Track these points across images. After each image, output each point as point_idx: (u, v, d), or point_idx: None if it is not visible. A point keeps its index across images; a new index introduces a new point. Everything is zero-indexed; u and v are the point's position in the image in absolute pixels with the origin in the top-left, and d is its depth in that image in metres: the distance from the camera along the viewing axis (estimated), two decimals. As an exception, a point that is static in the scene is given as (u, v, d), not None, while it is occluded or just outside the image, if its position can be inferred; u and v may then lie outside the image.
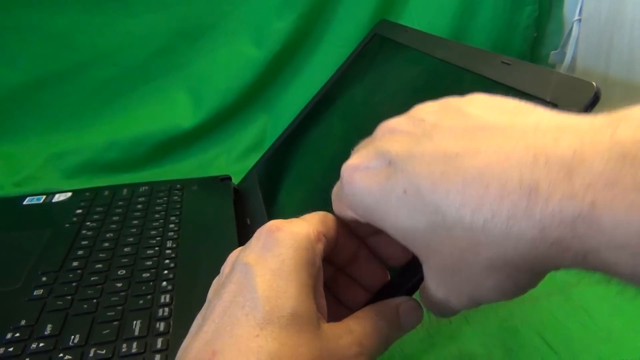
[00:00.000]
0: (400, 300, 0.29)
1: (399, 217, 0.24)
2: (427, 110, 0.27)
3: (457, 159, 0.22)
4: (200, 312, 0.28)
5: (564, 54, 0.89)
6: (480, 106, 0.25)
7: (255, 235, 0.28)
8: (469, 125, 0.23)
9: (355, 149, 0.30)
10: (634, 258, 0.17)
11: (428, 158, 0.23)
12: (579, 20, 0.85)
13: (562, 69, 0.89)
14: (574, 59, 0.87)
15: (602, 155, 0.18)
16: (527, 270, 0.21)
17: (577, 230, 0.18)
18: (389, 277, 0.32)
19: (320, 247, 0.28)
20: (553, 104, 0.30)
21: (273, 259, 0.25)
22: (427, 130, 0.25)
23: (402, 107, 0.50)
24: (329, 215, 0.30)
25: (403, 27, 0.60)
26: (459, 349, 0.45)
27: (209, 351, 0.23)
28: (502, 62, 0.38)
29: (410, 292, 0.30)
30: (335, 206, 0.30)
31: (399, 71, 0.56)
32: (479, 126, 0.23)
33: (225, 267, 0.29)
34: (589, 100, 0.28)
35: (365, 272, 0.32)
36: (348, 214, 0.29)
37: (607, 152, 0.18)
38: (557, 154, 0.19)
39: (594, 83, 0.29)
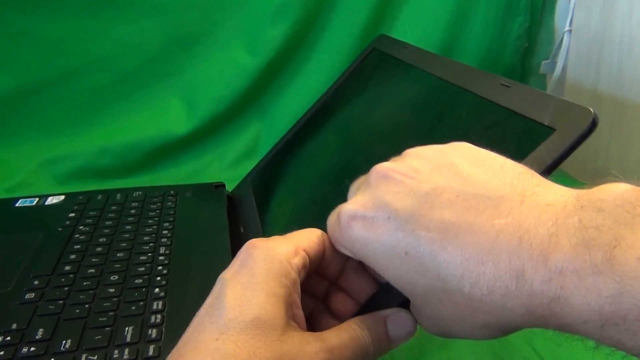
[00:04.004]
0: (388, 312, 0.30)
1: (398, 273, 0.27)
2: (420, 162, 0.28)
3: (454, 229, 0.24)
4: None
5: (554, 64, 0.90)
6: (471, 163, 0.27)
7: (237, 254, 0.30)
8: (463, 190, 0.25)
9: (351, 189, 0.33)
10: (598, 330, 0.20)
11: (427, 222, 0.25)
12: (570, 31, 0.86)
13: (553, 79, 0.90)
14: (564, 69, 0.88)
15: (571, 240, 0.21)
16: (518, 328, 0.24)
17: (553, 309, 0.21)
18: (377, 288, 0.32)
19: (297, 260, 0.29)
20: (551, 128, 0.31)
21: (245, 273, 0.28)
22: (423, 188, 0.26)
23: (399, 124, 0.50)
24: (316, 231, 0.32)
25: (402, 43, 0.61)
26: (449, 357, 0.45)
27: (175, 356, 0.25)
28: (501, 84, 0.38)
29: (404, 304, 0.30)
30: (332, 240, 0.31)
31: (396, 87, 0.56)
32: (471, 193, 0.25)
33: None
34: (586, 127, 0.29)
35: (353, 283, 0.33)
36: (343, 251, 0.30)
37: (574, 237, 0.21)
38: (537, 239, 0.22)
39: (591, 109, 0.30)
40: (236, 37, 0.86)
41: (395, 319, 0.30)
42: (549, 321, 0.22)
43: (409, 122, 0.49)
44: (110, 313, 0.45)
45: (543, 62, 0.93)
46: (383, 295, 0.32)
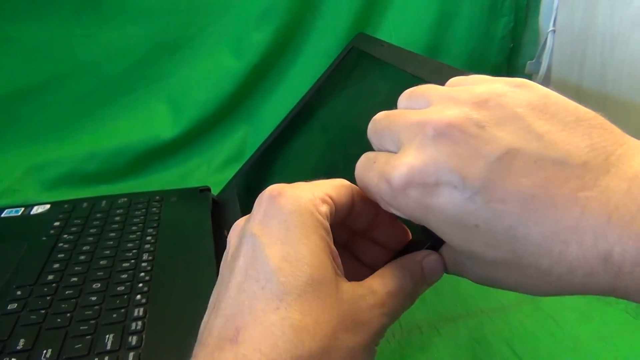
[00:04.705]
0: (423, 254, 0.29)
1: (465, 242, 0.25)
2: (480, 112, 0.25)
3: (535, 202, 0.22)
4: (215, 288, 0.27)
5: (539, 64, 0.91)
6: (541, 116, 0.24)
7: (257, 202, 0.27)
8: (540, 154, 0.23)
9: (379, 131, 0.29)
10: None
11: (502, 194, 0.23)
12: (554, 31, 0.86)
13: (538, 78, 0.90)
14: (549, 68, 0.89)
15: None
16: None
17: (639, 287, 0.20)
18: (411, 236, 0.31)
19: (324, 208, 0.27)
20: None
21: (278, 227, 0.25)
22: (492, 150, 0.23)
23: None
24: (345, 183, 0.29)
25: (379, 41, 0.61)
26: (428, 359, 0.45)
27: (231, 328, 0.23)
28: None
29: (432, 248, 0.29)
30: (376, 199, 0.28)
31: (375, 85, 0.57)
32: (550, 159, 0.22)
33: (231, 238, 0.29)
34: None
35: (386, 234, 0.31)
36: (392, 211, 0.28)
37: None
38: (627, 217, 0.20)
39: None
40: (221, 41, 0.86)
41: (430, 262, 0.28)
42: (627, 295, 0.21)
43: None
44: (92, 321, 0.45)
45: (528, 62, 0.94)
46: (415, 242, 0.31)
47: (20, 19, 0.80)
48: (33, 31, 0.81)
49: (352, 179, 0.30)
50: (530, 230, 0.22)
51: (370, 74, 0.59)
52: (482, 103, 0.25)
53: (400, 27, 0.88)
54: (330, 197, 0.28)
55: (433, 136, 0.24)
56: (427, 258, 0.29)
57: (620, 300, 0.48)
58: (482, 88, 0.26)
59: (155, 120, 0.87)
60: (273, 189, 0.27)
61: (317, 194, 0.27)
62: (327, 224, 0.26)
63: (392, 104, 0.49)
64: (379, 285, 0.27)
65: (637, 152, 0.22)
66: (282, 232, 0.25)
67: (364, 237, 0.32)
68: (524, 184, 0.22)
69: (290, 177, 0.61)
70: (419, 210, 0.25)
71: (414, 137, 0.25)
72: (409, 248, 0.31)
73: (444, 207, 0.24)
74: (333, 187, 0.28)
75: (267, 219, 0.26)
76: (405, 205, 0.26)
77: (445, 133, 0.24)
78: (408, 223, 0.31)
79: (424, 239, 0.29)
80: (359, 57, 0.64)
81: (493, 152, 0.23)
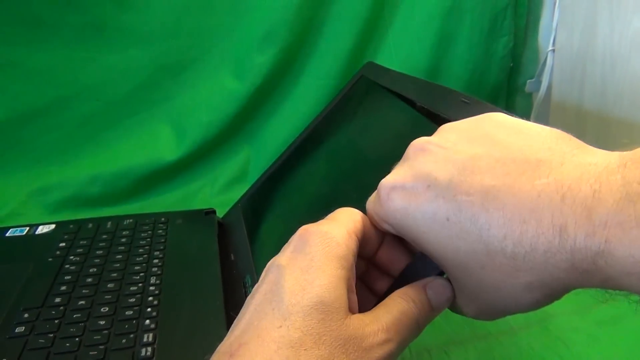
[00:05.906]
0: (426, 280, 0.30)
1: (439, 241, 0.27)
2: (456, 134, 0.29)
3: (494, 191, 0.24)
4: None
5: (539, 82, 0.92)
6: (507, 132, 0.27)
7: (288, 241, 0.30)
8: (502, 156, 0.26)
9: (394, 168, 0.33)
10: None
11: (467, 187, 0.25)
12: (553, 50, 0.87)
13: (539, 97, 0.91)
14: (549, 87, 0.90)
15: (614, 196, 0.21)
16: (561, 289, 0.24)
17: (597, 263, 0.21)
18: (411, 260, 0.33)
19: (351, 244, 0.29)
20: None
21: (303, 258, 0.27)
22: (461, 156, 0.27)
23: (386, 152, 0.51)
24: (356, 212, 0.31)
25: (387, 70, 0.61)
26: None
27: (236, 344, 0.25)
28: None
29: (438, 272, 0.30)
30: (370, 217, 0.31)
31: (383, 115, 0.57)
32: (510, 158, 0.25)
33: (263, 273, 0.30)
34: None
35: (387, 258, 0.33)
36: (384, 226, 0.30)
37: (618, 192, 0.21)
38: (580, 195, 0.22)
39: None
40: (224, 63, 0.87)
41: (434, 287, 0.30)
42: (592, 276, 0.22)
43: (396, 151, 0.50)
44: (101, 346, 0.45)
45: (528, 81, 0.94)
46: (417, 268, 0.32)
47: (23, 44, 0.81)
48: (36, 55, 0.81)
49: (357, 206, 0.32)
50: (492, 215, 0.24)
51: (378, 103, 0.60)
52: (456, 126, 0.30)
53: (401, 49, 0.89)
54: (354, 233, 0.30)
55: (414, 152, 0.30)
56: (431, 283, 0.30)
57: (629, 320, 0.49)
58: (460, 121, 0.30)
59: (158, 143, 0.87)
60: (303, 228, 0.29)
61: (344, 231, 0.29)
62: (352, 259, 0.28)
63: (401, 135, 0.49)
64: (383, 312, 0.28)
65: (591, 151, 0.24)
66: (305, 262, 0.27)
67: (372, 263, 0.33)
68: (485, 178, 0.25)
69: (296, 202, 0.61)
70: (401, 213, 0.28)
71: (402, 159, 0.31)
72: (411, 274, 0.32)
73: (420, 206, 0.27)
74: (352, 221, 0.30)
75: (295, 253, 0.28)
76: (390, 210, 0.29)
77: (423, 148, 0.29)
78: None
79: (426, 263, 0.30)
80: (368, 86, 0.64)
81: (461, 157, 0.27)
